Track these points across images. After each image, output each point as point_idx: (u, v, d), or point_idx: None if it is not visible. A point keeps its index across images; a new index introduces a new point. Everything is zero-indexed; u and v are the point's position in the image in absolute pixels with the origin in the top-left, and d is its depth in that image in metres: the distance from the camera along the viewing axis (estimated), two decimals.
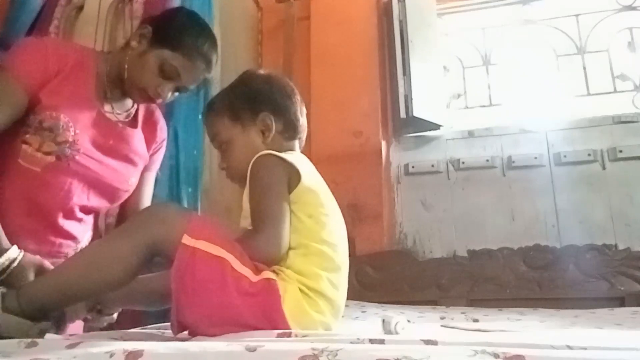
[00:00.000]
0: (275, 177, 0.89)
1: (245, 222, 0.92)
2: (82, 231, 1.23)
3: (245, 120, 0.99)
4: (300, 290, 0.83)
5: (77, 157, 1.14)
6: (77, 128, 1.14)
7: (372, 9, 2.74)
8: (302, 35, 2.76)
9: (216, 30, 2.03)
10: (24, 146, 1.11)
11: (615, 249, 2.18)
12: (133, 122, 1.28)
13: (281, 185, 0.89)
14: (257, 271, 0.80)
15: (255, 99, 1.00)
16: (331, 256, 0.88)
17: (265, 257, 0.84)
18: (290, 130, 1.02)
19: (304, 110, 1.06)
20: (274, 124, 0.99)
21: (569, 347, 0.55)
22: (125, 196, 1.28)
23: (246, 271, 0.78)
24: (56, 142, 1.11)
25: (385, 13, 2.75)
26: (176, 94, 1.23)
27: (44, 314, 0.79)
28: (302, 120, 1.05)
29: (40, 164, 1.11)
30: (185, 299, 0.76)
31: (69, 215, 1.18)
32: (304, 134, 1.06)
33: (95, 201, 1.22)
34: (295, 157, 0.96)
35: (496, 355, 0.48)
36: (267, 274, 0.81)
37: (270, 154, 0.91)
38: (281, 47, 2.75)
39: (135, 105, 1.29)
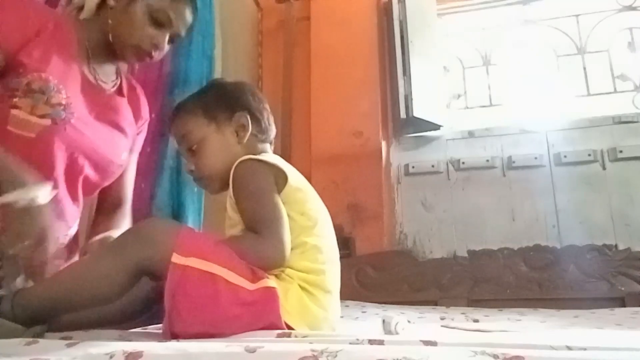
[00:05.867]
0: (263, 180, 0.88)
1: (233, 231, 0.91)
2: (74, 217, 1.14)
3: (220, 120, 0.98)
4: (302, 287, 0.84)
5: (72, 121, 1.05)
6: (67, 92, 1.05)
7: (372, 9, 2.74)
8: (302, 35, 2.76)
9: (216, 30, 2.04)
10: (14, 111, 0.99)
11: (616, 249, 2.18)
12: (119, 92, 1.21)
13: (271, 187, 0.88)
14: (255, 278, 0.79)
15: (231, 100, 1.00)
16: (327, 249, 0.90)
17: (272, 264, 0.83)
18: (264, 132, 1.02)
19: (273, 119, 1.07)
20: (250, 124, 0.99)
21: (569, 348, 0.55)
22: (118, 173, 1.19)
23: (242, 281, 0.77)
24: (50, 105, 1.01)
25: (385, 13, 2.75)
26: (167, 46, 1.15)
27: (37, 321, 0.78)
28: (274, 127, 1.06)
29: (35, 129, 1.00)
30: (178, 319, 0.73)
31: (68, 189, 1.09)
32: (273, 141, 1.07)
33: (92, 175, 1.13)
34: (274, 158, 0.95)
35: (496, 356, 0.48)
36: (266, 281, 0.79)
37: (251, 159, 0.90)
38: (281, 47, 2.75)
39: (119, 77, 1.22)
